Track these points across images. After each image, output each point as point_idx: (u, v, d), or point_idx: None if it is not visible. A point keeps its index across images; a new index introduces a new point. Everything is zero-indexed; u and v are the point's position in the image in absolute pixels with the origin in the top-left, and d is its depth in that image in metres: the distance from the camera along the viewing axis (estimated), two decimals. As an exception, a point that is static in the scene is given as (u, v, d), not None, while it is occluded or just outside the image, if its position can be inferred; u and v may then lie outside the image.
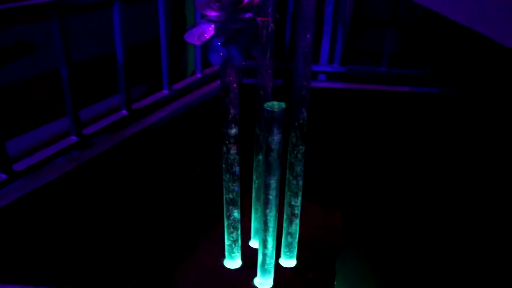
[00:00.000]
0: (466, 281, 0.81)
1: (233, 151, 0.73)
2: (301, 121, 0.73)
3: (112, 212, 0.92)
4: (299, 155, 0.76)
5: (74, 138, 0.90)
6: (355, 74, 1.48)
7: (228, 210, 0.78)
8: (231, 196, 0.76)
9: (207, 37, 0.62)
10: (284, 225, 0.81)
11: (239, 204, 0.77)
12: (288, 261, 0.83)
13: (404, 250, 0.89)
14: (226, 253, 0.82)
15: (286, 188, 0.78)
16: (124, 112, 1.02)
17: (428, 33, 1.41)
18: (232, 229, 0.79)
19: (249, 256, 0.83)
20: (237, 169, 0.75)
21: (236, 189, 0.76)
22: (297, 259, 0.83)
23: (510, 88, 1.17)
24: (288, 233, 0.81)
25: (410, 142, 1.31)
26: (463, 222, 0.97)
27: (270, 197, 0.70)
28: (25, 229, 0.78)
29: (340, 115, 1.38)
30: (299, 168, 0.76)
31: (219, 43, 0.62)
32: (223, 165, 0.74)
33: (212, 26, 0.61)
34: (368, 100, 1.41)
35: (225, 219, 0.78)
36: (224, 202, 0.77)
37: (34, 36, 1.70)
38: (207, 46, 0.63)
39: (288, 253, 0.83)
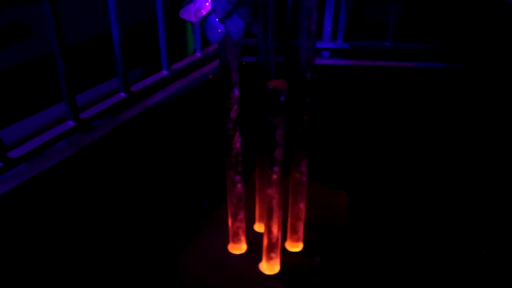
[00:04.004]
0: (472, 259, 0.79)
1: (234, 131, 0.71)
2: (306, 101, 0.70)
3: (113, 197, 0.90)
4: (304, 133, 0.73)
5: (71, 123, 0.87)
6: (359, 50, 1.44)
7: (231, 192, 0.75)
8: (234, 177, 0.74)
9: (204, 13, 0.58)
10: (290, 207, 0.78)
11: (243, 185, 0.75)
12: (294, 245, 0.81)
13: (412, 229, 0.86)
14: (231, 238, 0.80)
15: (291, 170, 0.76)
16: (122, 94, 0.98)
17: (435, 5, 1.36)
18: (236, 213, 0.77)
19: (254, 240, 0.81)
20: (239, 150, 0.72)
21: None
22: (304, 242, 0.81)
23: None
24: (294, 215, 0.79)
25: (417, 119, 1.27)
26: (469, 197, 0.95)
27: (274, 176, 0.67)
28: (24, 218, 0.76)
29: (344, 92, 1.34)
30: (304, 147, 0.74)
31: (217, 19, 0.58)
32: (225, 146, 0.72)
33: (209, 1, 0.58)
34: (373, 76, 1.37)
35: (229, 202, 0.76)
36: (227, 184, 0.75)
37: (30, 19, 1.66)
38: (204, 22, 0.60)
39: (294, 236, 0.80)
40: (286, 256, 0.78)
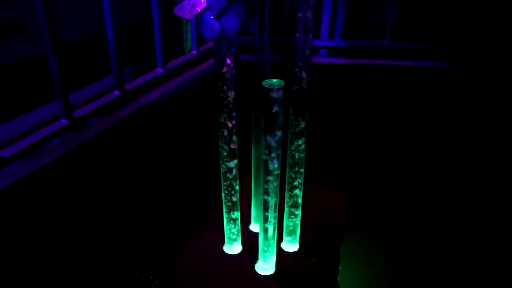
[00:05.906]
0: (472, 256, 0.78)
1: (230, 130, 0.70)
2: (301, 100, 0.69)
3: (107, 197, 0.89)
4: (299, 131, 0.72)
5: (64, 121, 0.86)
6: (357, 48, 1.44)
7: (226, 192, 0.74)
8: (230, 177, 0.73)
9: (199, 9, 0.57)
10: (286, 207, 0.77)
11: (238, 185, 0.74)
12: (291, 245, 0.80)
13: (409, 229, 0.86)
14: (226, 238, 0.79)
15: (287, 169, 0.75)
16: (116, 92, 0.97)
17: (434, 3, 1.36)
18: (231, 213, 0.76)
19: (249, 240, 0.80)
20: (235, 150, 0.71)
21: (234, 169, 0.72)
22: (300, 243, 0.80)
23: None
24: (290, 216, 0.78)
25: (415, 118, 1.27)
26: (468, 197, 0.94)
27: (270, 177, 0.66)
28: (16, 217, 0.75)
29: (342, 91, 1.33)
30: (300, 145, 0.73)
31: (212, 16, 0.57)
32: (221, 146, 0.71)
33: (204, -3, 0.57)
34: (370, 75, 1.36)
35: (224, 202, 0.75)
36: (222, 184, 0.74)
37: (26, 16, 1.65)
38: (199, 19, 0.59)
39: (290, 236, 0.79)
40: (282, 256, 0.77)
